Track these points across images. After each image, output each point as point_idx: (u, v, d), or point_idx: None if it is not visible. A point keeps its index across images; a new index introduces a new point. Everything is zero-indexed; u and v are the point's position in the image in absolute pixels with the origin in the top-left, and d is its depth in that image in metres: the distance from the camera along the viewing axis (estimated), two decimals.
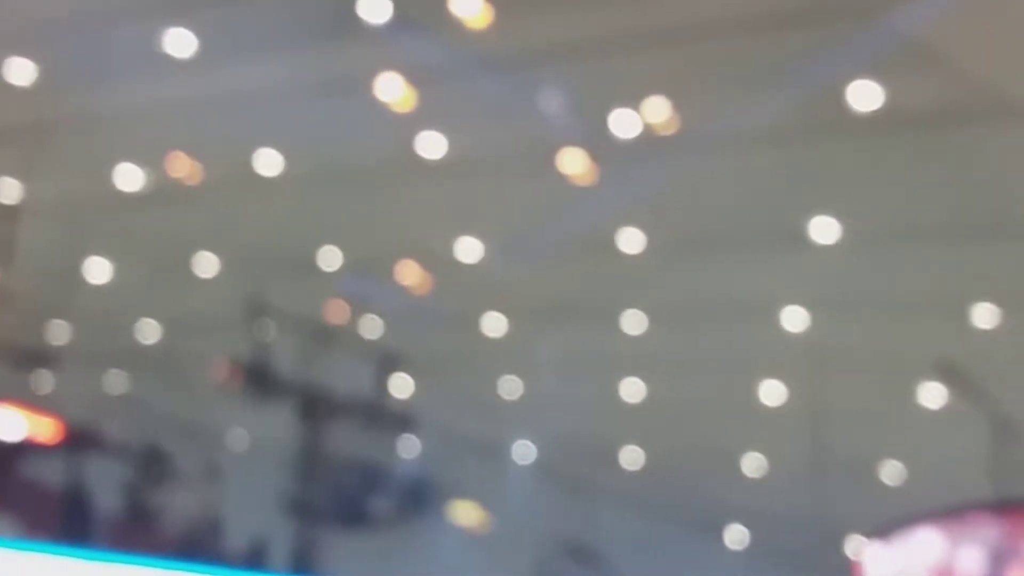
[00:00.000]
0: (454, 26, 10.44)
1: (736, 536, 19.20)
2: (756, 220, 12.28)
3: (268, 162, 12.78)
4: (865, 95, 10.52)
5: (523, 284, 13.92)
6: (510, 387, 16.51)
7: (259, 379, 15.70)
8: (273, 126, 12.21)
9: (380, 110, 11.45)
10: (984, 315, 13.17)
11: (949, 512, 10.51)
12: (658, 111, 11.20)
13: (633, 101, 11.21)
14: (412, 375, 16.71)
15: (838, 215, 12.18)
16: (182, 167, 13.07)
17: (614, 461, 17.68)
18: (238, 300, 14.94)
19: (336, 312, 15.52)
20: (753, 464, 17.08)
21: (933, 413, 14.77)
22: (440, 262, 14.00)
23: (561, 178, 12.00)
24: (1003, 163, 10.96)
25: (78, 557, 8.24)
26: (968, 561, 10.04)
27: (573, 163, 11.95)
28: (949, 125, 10.52)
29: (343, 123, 11.73)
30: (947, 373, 13.84)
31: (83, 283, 15.47)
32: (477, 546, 17.75)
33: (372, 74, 11.28)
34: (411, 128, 11.91)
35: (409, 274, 14.41)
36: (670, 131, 11.26)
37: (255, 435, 18.01)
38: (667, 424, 15.98)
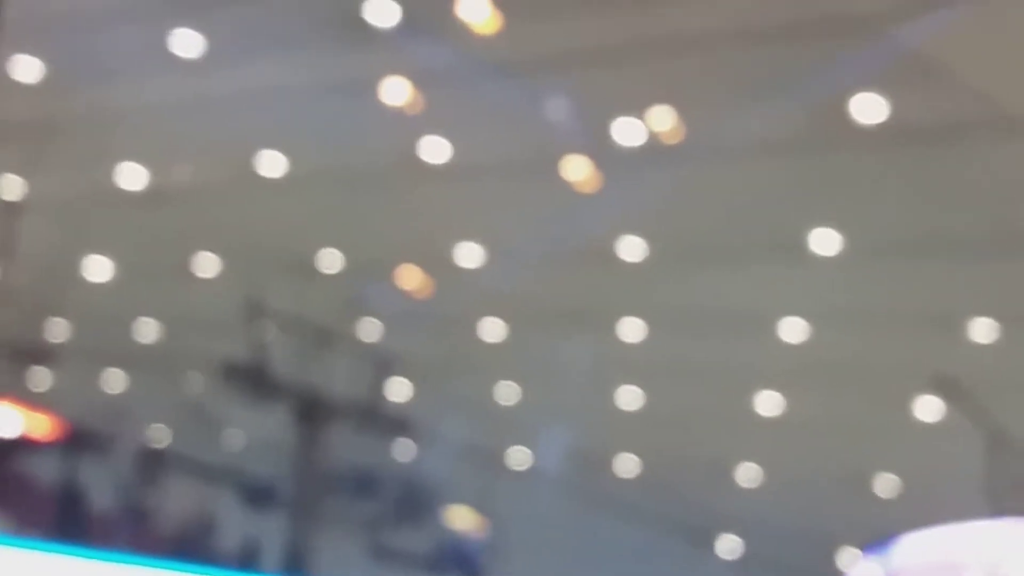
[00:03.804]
0: (461, 31, 10.46)
1: (729, 546, 19.21)
2: (757, 230, 12.31)
3: (271, 163, 12.79)
4: (869, 108, 10.55)
5: (523, 290, 13.93)
6: (507, 393, 16.52)
7: (257, 380, 15.69)
8: (277, 127, 12.23)
9: (385, 113, 11.47)
10: (982, 330, 13.20)
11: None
12: (662, 120, 11.22)
13: (637, 110, 11.24)
14: (409, 379, 16.71)
15: (839, 227, 12.20)
16: (185, 166, 13.08)
17: (610, 468, 17.70)
18: (237, 300, 14.93)
19: (335, 314, 15.51)
20: (748, 474, 17.09)
21: (929, 426, 14.79)
22: (440, 266, 14.01)
23: (564, 185, 12.02)
24: (1004, 178, 10.99)
25: (72, 555, 8.19)
26: None
27: (576, 170, 11.97)
28: (951, 139, 10.54)
29: (347, 126, 11.74)
30: (944, 387, 13.86)
31: (83, 281, 15.47)
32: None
33: (378, 77, 11.30)
34: (415, 132, 11.93)
35: (409, 278, 14.42)
36: (674, 140, 11.28)
37: (252, 436, 18.00)
38: (663, 432, 15.99)
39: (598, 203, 12.24)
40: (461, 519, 18.12)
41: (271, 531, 16.63)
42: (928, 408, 14.73)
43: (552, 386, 15.59)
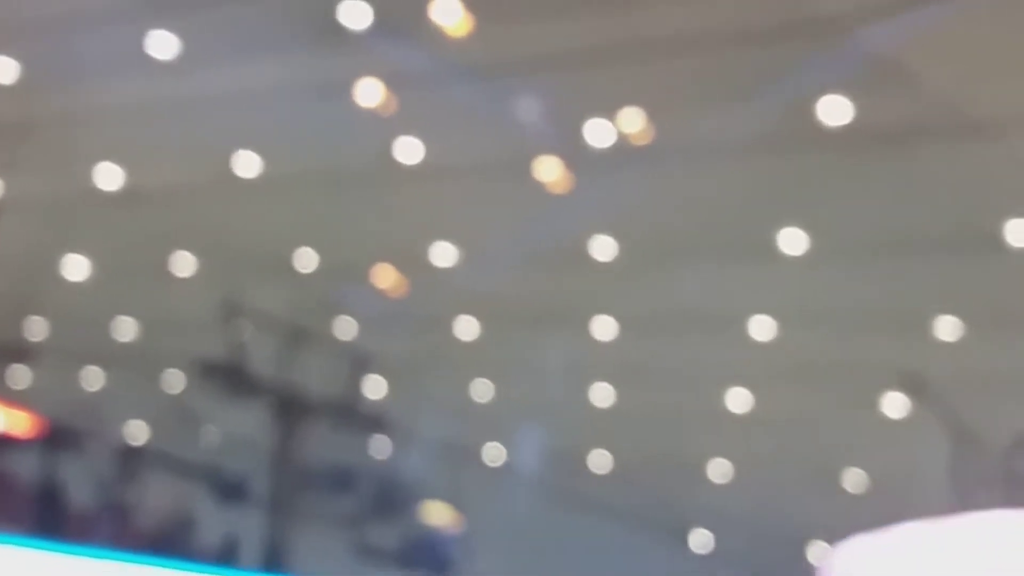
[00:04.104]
0: (434, 34, 10.57)
1: (701, 540, 19.35)
2: (726, 231, 12.43)
3: (247, 164, 12.88)
4: (835, 110, 10.69)
5: (497, 289, 14.04)
6: (482, 390, 16.63)
7: (234, 378, 15.76)
8: (253, 129, 12.30)
9: (359, 115, 11.58)
10: (947, 328, 13.37)
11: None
12: (632, 122, 11.35)
13: (608, 111, 11.36)
14: (385, 377, 16.81)
15: (806, 227, 12.35)
16: (161, 167, 13.16)
17: (583, 465, 17.81)
18: (214, 300, 15.01)
19: (311, 313, 15.60)
20: (719, 470, 17.23)
21: (896, 423, 14.95)
22: (415, 266, 14.11)
23: (536, 185, 12.14)
24: (968, 179, 11.15)
25: (51, 551, 8.28)
26: None
27: (548, 171, 12.09)
28: (916, 141, 10.68)
29: (322, 127, 11.83)
30: (911, 384, 14.02)
31: (61, 280, 15.53)
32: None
33: (352, 79, 11.40)
34: (389, 133, 12.03)
35: (384, 277, 14.52)
36: (644, 142, 11.41)
37: (229, 433, 18.07)
38: (636, 429, 16.11)
39: (571, 204, 12.35)
40: (436, 515, 18.22)
41: (249, 527, 16.70)
42: (895, 405, 14.88)
43: (526, 384, 15.69)
